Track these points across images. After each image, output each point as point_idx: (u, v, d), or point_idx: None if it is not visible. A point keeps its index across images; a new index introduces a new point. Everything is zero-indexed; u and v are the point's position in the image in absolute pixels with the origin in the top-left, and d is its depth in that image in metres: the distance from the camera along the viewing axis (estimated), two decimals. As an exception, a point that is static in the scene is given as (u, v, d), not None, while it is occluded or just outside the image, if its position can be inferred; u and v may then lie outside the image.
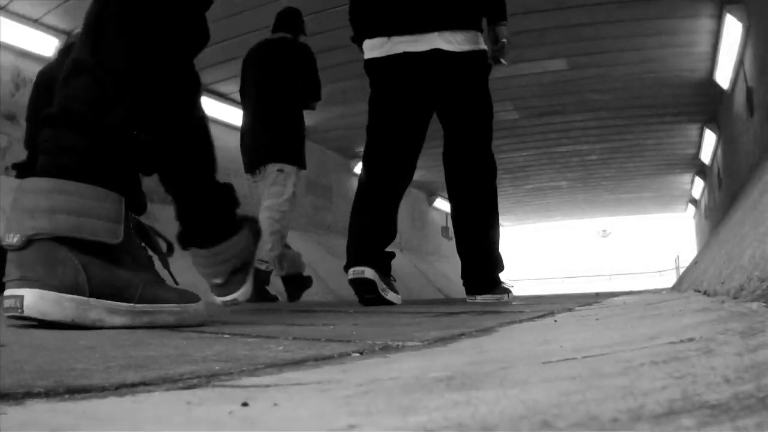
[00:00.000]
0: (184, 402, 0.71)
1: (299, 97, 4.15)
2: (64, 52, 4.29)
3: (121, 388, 0.79)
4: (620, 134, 9.54)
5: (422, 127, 3.01)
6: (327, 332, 1.80)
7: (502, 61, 2.89)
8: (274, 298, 4.47)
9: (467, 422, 0.51)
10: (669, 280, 12.17)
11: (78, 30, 2.00)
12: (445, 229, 13.85)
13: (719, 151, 9.07)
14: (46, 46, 5.29)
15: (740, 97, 6.44)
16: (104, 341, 1.47)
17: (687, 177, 12.53)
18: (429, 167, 11.02)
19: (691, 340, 0.88)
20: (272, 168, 4.35)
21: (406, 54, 2.68)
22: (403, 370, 0.96)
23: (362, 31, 2.85)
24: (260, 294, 3.96)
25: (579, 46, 6.53)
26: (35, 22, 5.15)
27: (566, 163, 11.28)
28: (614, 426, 0.45)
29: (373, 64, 2.85)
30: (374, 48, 2.80)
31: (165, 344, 1.41)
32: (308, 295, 7.05)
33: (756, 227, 2.04)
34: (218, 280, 2.21)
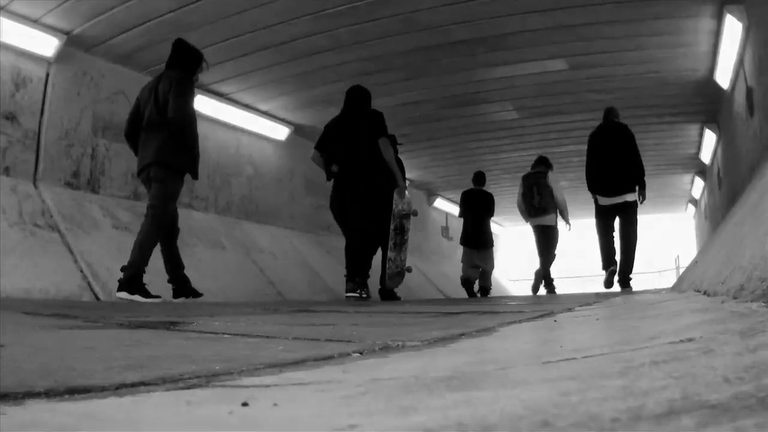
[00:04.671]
0: (184, 402, 0.71)
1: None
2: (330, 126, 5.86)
3: (121, 388, 0.79)
4: (620, 134, 9.54)
5: (613, 222, 6.42)
6: (327, 332, 1.80)
7: (643, 202, 6.30)
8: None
9: (467, 422, 0.51)
10: (669, 280, 12.15)
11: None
12: (445, 229, 13.81)
13: (719, 151, 9.06)
14: (46, 46, 5.28)
15: (740, 97, 6.43)
16: (104, 341, 1.47)
17: (687, 177, 12.51)
18: (428, 167, 11.01)
19: (691, 340, 0.88)
20: None
21: (615, 204, 6.25)
22: (403, 370, 0.96)
23: (596, 190, 6.37)
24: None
25: (579, 46, 6.52)
26: (35, 22, 5.14)
27: (566, 163, 11.25)
28: (614, 426, 0.45)
29: (601, 207, 6.37)
30: (604, 201, 6.32)
31: (165, 344, 1.41)
32: (308, 295, 7.05)
33: (756, 228, 2.03)
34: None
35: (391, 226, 5.58)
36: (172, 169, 4.43)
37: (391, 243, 5.62)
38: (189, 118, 4.43)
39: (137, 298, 4.14)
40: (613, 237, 6.40)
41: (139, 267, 4.21)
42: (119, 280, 4.22)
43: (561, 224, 7.98)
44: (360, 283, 5.28)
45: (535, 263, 8.18)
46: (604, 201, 6.30)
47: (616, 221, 6.44)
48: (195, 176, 4.58)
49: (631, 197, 6.21)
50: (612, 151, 6.21)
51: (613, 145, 6.24)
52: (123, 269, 4.21)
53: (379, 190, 5.35)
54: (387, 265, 5.55)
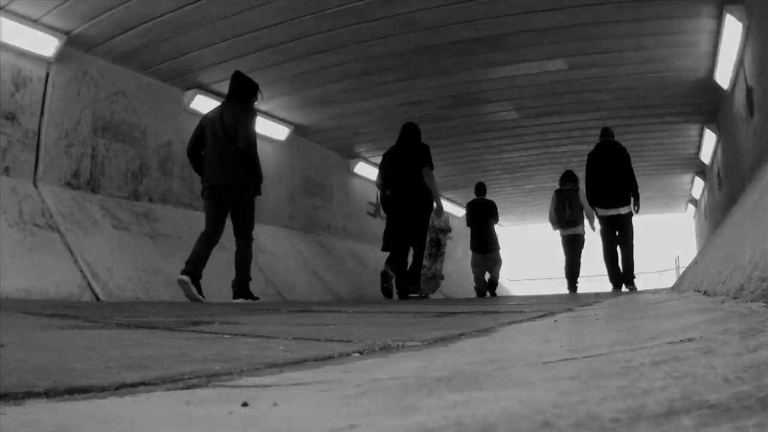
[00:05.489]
0: (184, 402, 0.71)
1: None
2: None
3: (121, 388, 0.79)
4: (620, 134, 9.45)
5: (615, 231, 7.25)
6: (327, 332, 1.80)
7: (638, 213, 7.17)
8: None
9: (467, 422, 0.51)
10: (669, 280, 12.16)
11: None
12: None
13: (719, 151, 9.05)
14: (46, 46, 5.28)
15: (740, 97, 6.43)
16: (104, 341, 1.47)
17: (687, 177, 12.50)
18: (429, 167, 11.01)
19: (691, 340, 0.88)
20: None
21: (612, 216, 7.09)
22: (403, 370, 0.96)
23: (596, 203, 7.18)
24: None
25: (579, 46, 6.51)
26: (35, 22, 5.13)
27: (566, 163, 11.21)
28: (614, 426, 0.45)
29: (604, 218, 7.18)
30: (602, 212, 7.16)
31: (165, 344, 1.41)
32: (308, 295, 7.04)
33: (756, 228, 2.03)
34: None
35: (428, 238, 6.61)
36: (248, 191, 5.13)
37: (426, 253, 6.65)
38: (255, 145, 5.12)
39: (249, 300, 4.94)
40: (617, 245, 7.28)
41: (247, 278, 5.03)
42: (234, 291, 5.00)
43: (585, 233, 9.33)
44: (390, 279, 6.38)
45: (558, 266, 9.22)
46: (603, 212, 7.21)
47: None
48: (259, 193, 5.28)
49: (625, 210, 7.15)
50: (609, 169, 7.12)
51: (610, 163, 7.15)
52: (234, 284, 5.01)
53: (418, 209, 6.41)
54: (422, 271, 6.61)
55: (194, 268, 4.83)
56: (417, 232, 6.44)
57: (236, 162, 4.99)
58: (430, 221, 6.60)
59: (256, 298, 5.08)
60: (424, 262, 6.65)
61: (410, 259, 6.71)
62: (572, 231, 8.61)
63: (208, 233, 5.00)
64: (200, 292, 4.83)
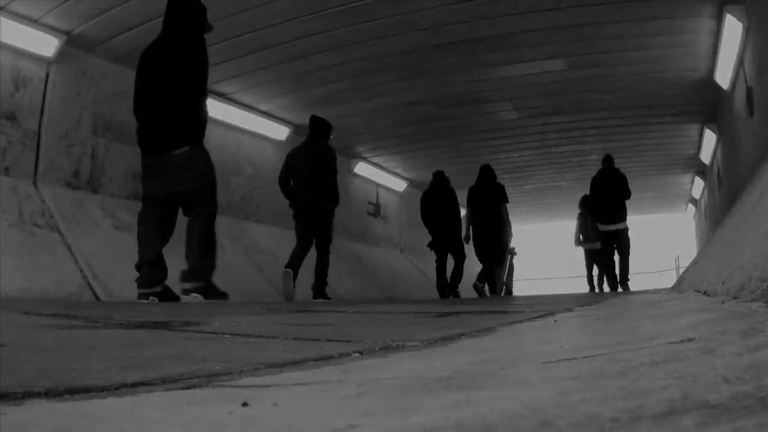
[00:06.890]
0: (184, 402, 0.71)
1: None
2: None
3: (121, 388, 0.79)
4: (620, 134, 9.51)
5: (614, 243, 8.43)
6: (327, 332, 1.80)
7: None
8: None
9: (467, 422, 0.51)
10: (669, 280, 12.17)
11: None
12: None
13: (719, 151, 9.06)
14: (46, 46, 5.28)
15: (740, 97, 6.43)
16: (104, 341, 1.47)
17: (687, 177, 12.50)
18: (428, 167, 11.03)
19: (691, 340, 0.88)
20: None
21: (611, 230, 8.33)
22: (403, 370, 0.96)
23: (600, 219, 8.44)
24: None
25: (579, 46, 6.52)
26: (35, 22, 5.14)
27: (566, 163, 11.26)
28: (614, 426, 0.45)
29: (604, 232, 8.38)
30: (603, 228, 8.40)
31: (165, 344, 1.41)
32: (308, 295, 7.04)
33: (756, 228, 2.04)
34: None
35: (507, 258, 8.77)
36: (326, 213, 6.30)
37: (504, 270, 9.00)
38: (336, 178, 6.39)
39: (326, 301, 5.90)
40: (614, 253, 8.51)
41: (324, 283, 6.17)
42: (314, 292, 6.15)
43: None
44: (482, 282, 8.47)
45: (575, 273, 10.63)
46: (604, 228, 8.45)
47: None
48: (333, 215, 6.44)
49: (621, 225, 8.42)
50: (609, 191, 8.33)
51: (610, 187, 8.34)
52: (314, 287, 6.14)
53: (501, 234, 8.54)
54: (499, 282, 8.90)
55: (295, 264, 5.96)
56: (500, 251, 8.60)
57: (319, 191, 6.18)
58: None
59: (329, 299, 6.11)
60: (504, 277, 8.88)
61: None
62: (595, 245, 9.83)
63: (301, 244, 6.14)
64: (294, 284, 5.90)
